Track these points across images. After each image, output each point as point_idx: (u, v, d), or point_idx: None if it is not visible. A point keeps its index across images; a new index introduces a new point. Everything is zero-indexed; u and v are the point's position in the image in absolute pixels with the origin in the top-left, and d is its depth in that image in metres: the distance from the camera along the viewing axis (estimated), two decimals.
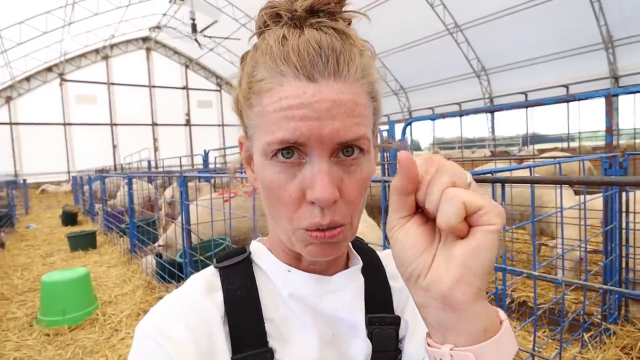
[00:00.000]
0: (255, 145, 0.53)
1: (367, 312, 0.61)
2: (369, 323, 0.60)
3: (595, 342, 2.58)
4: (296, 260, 0.60)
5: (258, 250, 0.63)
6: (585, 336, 2.58)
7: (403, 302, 0.65)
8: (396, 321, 0.62)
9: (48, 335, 3.64)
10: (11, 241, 8.46)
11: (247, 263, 0.61)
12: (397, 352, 0.61)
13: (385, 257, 0.70)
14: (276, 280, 0.59)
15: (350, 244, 0.67)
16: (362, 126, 0.50)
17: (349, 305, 0.59)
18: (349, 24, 0.54)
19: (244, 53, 0.58)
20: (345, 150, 0.50)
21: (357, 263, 0.64)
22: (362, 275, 0.63)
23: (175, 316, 0.53)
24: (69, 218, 10.72)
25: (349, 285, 0.60)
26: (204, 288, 0.57)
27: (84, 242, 7.18)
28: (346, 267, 0.64)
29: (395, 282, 0.66)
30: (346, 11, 0.54)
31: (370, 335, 0.59)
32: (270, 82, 0.49)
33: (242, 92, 0.54)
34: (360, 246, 0.69)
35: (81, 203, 13.67)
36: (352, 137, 0.49)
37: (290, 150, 0.49)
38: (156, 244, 4.75)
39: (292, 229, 0.52)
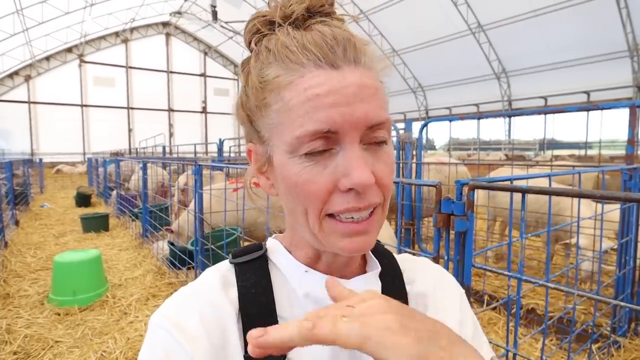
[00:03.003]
0: (278, 144, 0.52)
1: None
2: None
3: (603, 354, 2.55)
4: (315, 261, 0.59)
5: (274, 248, 0.63)
6: (593, 347, 2.55)
7: (420, 309, 0.64)
8: None
9: (58, 314, 3.71)
10: (25, 219, 8.63)
11: (263, 260, 0.61)
12: None
13: (402, 261, 0.70)
14: (292, 280, 0.59)
15: None
16: (385, 110, 0.51)
17: None
18: (342, 23, 0.56)
19: (243, 61, 0.58)
20: (374, 136, 0.51)
21: (375, 268, 0.64)
22: (380, 281, 0.63)
23: (190, 309, 0.53)
24: (83, 199, 10.88)
25: (367, 289, 0.60)
26: (220, 283, 0.57)
27: (97, 224, 7.29)
28: (364, 270, 0.64)
29: (412, 287, 0.66)
30: (339, 15, 0.56)
31: None
32: (289, 75, 0.49)
33: (252, 94, 0.54)
34: (379, 249, 0.68)
35: (95, 185, 13.87)
36: (380, 119, 0.50)
37: (324, 149, 0.49)
38: (166, 228, 4.79)
39: (320, 222, 0.52)
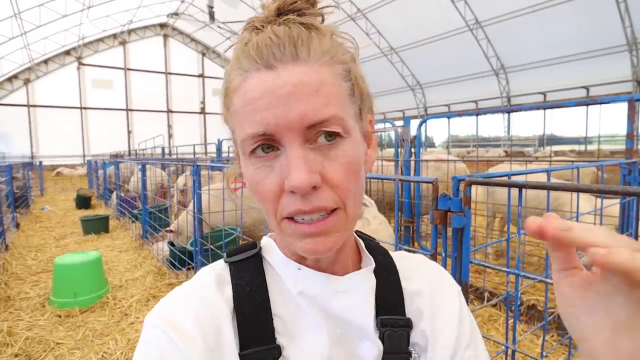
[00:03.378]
0: (238, 146, 0.54)
1: (378, 314, 0.60)
2: (381, 325, 0.59)
3: None
4: (302, 258, 0.59)
5: (268, 246, 0.63)
6: None
7: (416, 307, 0.64)
8: (408, 324, 0.61)
9: (59, 316, 3.71)
10: (26, 222, 8.64)
11: (257, 259, 0.61)
12: (407, 354, 0.60)
13: (399, 258, 0.69)
14: (285, 277, 0.59)
15: (362, 243, 0.66)
16: (332, 106, 0.48)
17: (358, 307, 0.58)
18: (323, 19, 0.55)
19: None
20: (323, 135, 0.49)
21: (370, 264, 0.63)
22: (374, 277, 0.62)
23: (185, 309, 0.53)
24: (83, 201, 10.89)
25: (360, 287, 0.60)
26: (214, 282, 0.57)
27: (97, 226, 7.30)
28: (358, 267, 0.64)
29: (409, 284, 0.65)
30: (318, 8, 0.54)
31: (382, 337, 0.58)
32: (237, 81, 0.51)
33: (223, 101, 0.56)
34: (373, 246, 0.68)
35: (95, 187, 13.87)
36: (321, 118, 0.47)
37: (268, 145, 0.49)
38: (165, 229, 4.80)
39: (278, 223, 0.52)
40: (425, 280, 0.66)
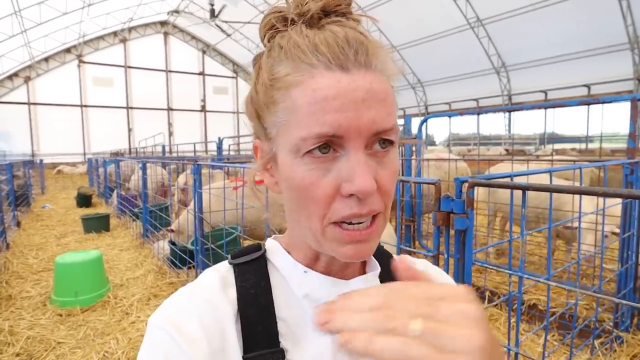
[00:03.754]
0: (283, 142, 0.52)
1: None
2: None
3: (606, 350, 2.55)
4: (314, 261, 0.59)
5: (274, 248, 0.62)
6: (596, 343, 2.55)
7: None
8: None
9: (60, 315, 3.71)
10: (27, 220, 8.64)
11: (262, 261, 0.61)
12: None
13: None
14: (291, 280, 0.59)
15: None
16: (393, 116, 0.50)
17: None
18: (358, 24, 0.55)
19: (255, 56, 0.57)
20: (380, 142, 0.50)
21: (375, 268, 0.63)
22: (379, 282, 0.62)
23: (190, 311, 0.53)
24: (84, 200, 10.89)
25: None
26: (219, 284, 0.57)
27: (98, 225, 7.30)
28: (363, 271, 0.63)
29: None
30: (356, 14, 0.55)
31: None
32: (299, 75, 0.48)
33: (261, 91, 0.53)
34: (379, 250, 0.67)
35: (96, 185, 13.87)
36: (386, 127, 0.49)
37: (327, 145, 0.48)
38: (167, 228, 4.80)
39: (323, 228, 0.51)
40: None
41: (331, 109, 0.46)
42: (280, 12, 0.53)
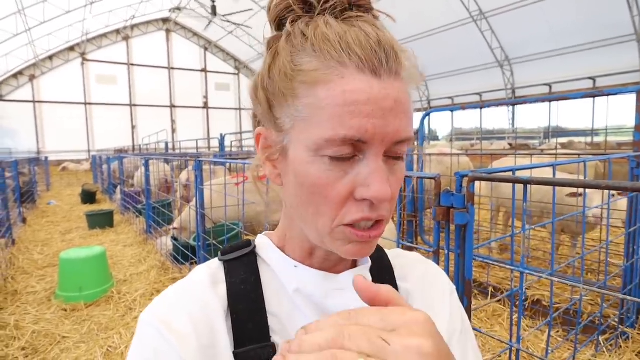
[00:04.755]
0: (300, 138, 0.50)
1: None
2: None
3: (611, 346, 2.53)
4: (307, 256, 0.59)
5: (264, 244, 0.62)
6: (601, 339, 2.53)
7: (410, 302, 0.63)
8: None
9: (65, 310, 3.74)
10: (32, 217, 8.69)
11: (252, 257, 0.61)
12: None
13: (395, 256, 0.68)
14: (281, 275, 0.59)
15: None
16: (411, 127, 0.51)
17: (354, 305, 0.57)
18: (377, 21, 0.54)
19: (270, 38, 0.54)
20: (396, 151, 0.50)
21: (366, 262, 0.63)
22: (369, 275, 0.62)
23: (179, 307, 0.53)
24: (88, 196, 10.95)
25: None
26: (208, 281, 0.57)
27: (102, 221, 7.34)
28: (354, 265, 0.63)
29: (403, 283, 0.65)
30: (376, 10, 0.54)
31: None
32: (327, 72, 0.47)
33: (279, 79, 0.50)
34: None
35: (100, 182, 13.94)
36: (406, 137, 0.49)
37: (350, 151, 0.48)
38: (171, 227, 4.82)
39: (332, 228, 0.51)
40: (418, 278, 0.66)
41: (360, 114, 0.46)
42: (322, 2, 0.50)
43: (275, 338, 0.55)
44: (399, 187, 0.53)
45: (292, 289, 0.57)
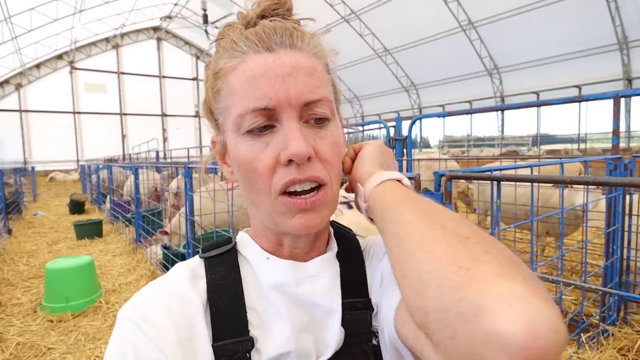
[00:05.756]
0: (227, 125, 0.56)
1: (344, 297, 0.61)
2: (344, 308, 0.60)
3: (593, 343, 2.56)
4: (277, 247, 0.61)
5: (243, 240, 0.64)
6: (583, 337, 2.57)
7: (377, 279, 0.64)
8: (367, 305, 0.62)
9: (51, 321, 3.69)
10: (18, 228, 8.56)
11: (233, 253, 0.62)
12: (370, 334, 0.61)
13: (372, 245, 0.70)
14: (258, 270, 0.60)
15: (331, 229, 0.69)
16: (323, 89, 0.55)
17: (324, 291, 0.60)
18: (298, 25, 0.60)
19: (205, 65, 0.64)
20: (313, 113, 0.54)
21: (334, 248, 0.65)
22: (337, 261, 0.64)
23: (157, 302, 0.54)
24: (77, 206, 10.81)
25: (325, 271, 0.61)
26: (187, 276, 0.58)
27: (90, 231, 7.25)
28: (324, 252, 0.65)
29: (372, 261, 0.66)
30: (295, 19, 0.60)
31: (342, 321, 0.60)
32: (233, 61, 0.54)
33: (209, 87, 0.59)
34: (340, 232, 0.70)
35: (89, 192, 13.79)
36: (315, 97, 0.53)
37: (266, 126, 0.53)
38: (159, 231, 4.78)
39: (272, 202, 0.54)
40: (385, 255, 0.66)
41: (261, 85, 0.52)
42: (230, 25, 0.59)
43: (254, 332, 0.56)
44: (332, 149, 0.55)
45: (267, 284, 0.59)
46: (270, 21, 0.56)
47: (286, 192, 0.53)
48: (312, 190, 0.54)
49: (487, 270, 0.35)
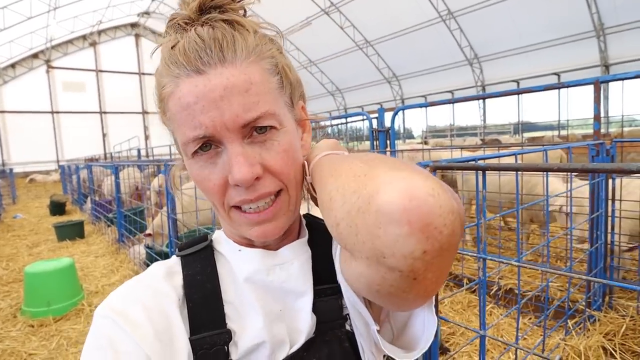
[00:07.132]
0: (179, 147, 0.57)
1: (315, 284, 0.62)
2: (314, 295, 0.61)
3: (579, 329, 2.60)
4: (249, 242, 0.62)
5: (219, 237, 0.66)
6: (570, 323, 2.60)
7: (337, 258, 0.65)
8: (337, 290, 0.62)
9: (32, 326, 3.60)
10: None
11: (209, 250, 0.63)
12: (342, 320, 0.62)
13: None
14: (233, 264, 0.61)
15: (304, 221, 0.70)
16: (262, 103, 0.52)
17: (296, 277, 0.61)
18: (245, 13, 0.58)
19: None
20: (257, 128, 0.53)
21: (304, 235, 0.67)
22: (308, 248, 0.65)
23: (132, 298, 0.54)
24: (57, 207, 10.59)
25: (296, 257, 0.62)
26: (163, 273, 0.59)
27: (72, 232, 7.10)
28: (296, 239, 0.66)
29: (338, 247, 0.66)
30: (238, 2, 0.57)
31: (313, 307, 0.61)
32: (170, 86, 0.52)
33: (157, 102, 0.58)
34: (312, 222, 0.70)
35: (70, 192, 13.52)
36: (254, 116, 0.51)
37: (207, 144, 0.52)
38: (143, 234, 4.70)
39: (227, 214, 0.56)
40: None
41: (195, 113, 0.50)
42: (173, 19, 0.56)
43: (231, 325, 0.56)
44: (281, 158, 0.55)
45: (242, 278, 0.59)
46: (203, 24, 0.53)
47: (240, 208, 0.55)
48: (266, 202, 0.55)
49: (379, 171, 0.39)
